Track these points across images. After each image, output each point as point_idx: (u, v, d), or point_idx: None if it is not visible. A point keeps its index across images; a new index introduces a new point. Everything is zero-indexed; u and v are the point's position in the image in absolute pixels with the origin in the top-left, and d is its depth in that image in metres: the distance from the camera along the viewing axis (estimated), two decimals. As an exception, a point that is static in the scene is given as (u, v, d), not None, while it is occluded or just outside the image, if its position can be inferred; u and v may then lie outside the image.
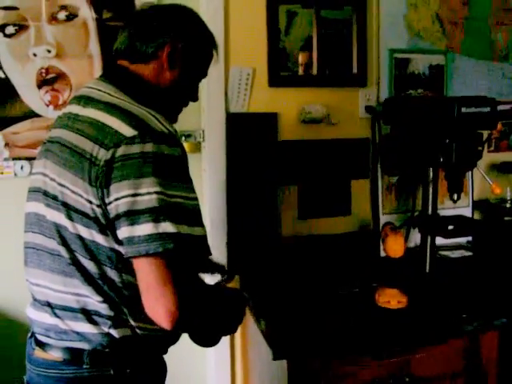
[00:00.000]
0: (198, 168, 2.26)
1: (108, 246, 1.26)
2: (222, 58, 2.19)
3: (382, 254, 2.19)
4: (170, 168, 1.23)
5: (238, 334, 2.30)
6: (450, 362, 1.81)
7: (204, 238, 1.27)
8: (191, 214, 1.25)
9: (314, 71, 2.36)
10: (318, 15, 2.33)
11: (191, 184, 1.29)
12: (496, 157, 2.66)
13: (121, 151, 1.21)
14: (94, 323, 1.31)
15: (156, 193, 1.18)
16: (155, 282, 1.19)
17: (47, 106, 2.10)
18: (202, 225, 1.27)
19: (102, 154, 1.23)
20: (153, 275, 1.19)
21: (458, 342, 1.81)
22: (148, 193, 1.18)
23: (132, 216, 1.19)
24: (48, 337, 1.36)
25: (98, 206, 1.24)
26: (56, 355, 1.34)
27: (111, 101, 1.32)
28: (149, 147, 1.21)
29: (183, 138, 2.23)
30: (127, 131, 1.23)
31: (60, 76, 2.10)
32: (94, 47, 2.11)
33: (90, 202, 1.24)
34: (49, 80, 2.09)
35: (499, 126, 2.55)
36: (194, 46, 1.48)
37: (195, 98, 1.58)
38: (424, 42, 2.49)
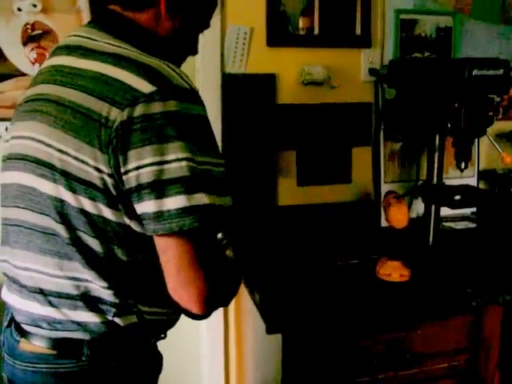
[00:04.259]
0: (192, 131, 2.18)
1: (117, 220, 1.11)
2: (219, 16, 2.10)
3: (383, 224, 2.12)
4: (197, 130, 1.10)
5: (231, 307, 2.27)
6: (452, 337, 1.77)
7: (231, 208, 1.15)
8: (220, 182, 1.12)
9: (316, 32, 2.27)
10: (320, -24, 2.24)
11: (218, 147, 1.16)
12: (504, 125, 2.58)
13: (139, 111, 1.05)
14: (97, 311, 1.17)
15: (185, 159, 1.05)
16: (188, 264, 1.08)
17: (33, 63, 2.01)
18: (229, 194, 1.14)
19: (115, 114, 1.06)
20: (185, 257, 1.08)
21: (462, 318, 1.77)
22: (177, 159, 1.04)
23: (160, 187, 1.05)
24: (38, 326, 1.20)
25: (109, 175, 1.08)
26: (48, 347, 1.19)
27: (113, 51, 1.14)
28: (171, 105, 1.06)
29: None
30: (144, 86, 1.06)
31: (46, 32, 2.00)
32: (83, 1, 2.01)
33: (99, 171, 1.08)
34: (35, 36, 2.00)
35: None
36: None
37: (195, 51, 1.42)
38: (432, 3, 2.39)
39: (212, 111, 2.12)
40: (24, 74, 2.00)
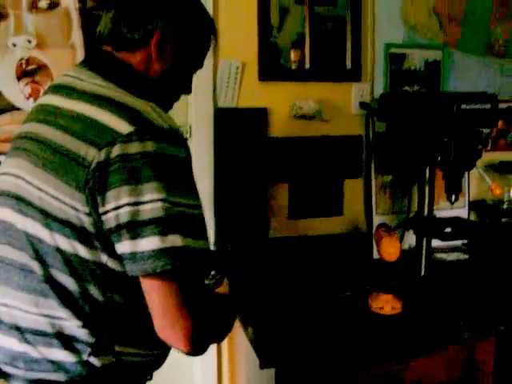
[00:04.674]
0: (185, 165, 2.17)
1: (93, 259, 1.10)
2: (211, 51, 2.10)
3: (375, 256, 2.13)
4: (174, 171, 1.08)
5: (225, 342, 2.24)
6: (445, 369, 1.75)
7: (207, 251, 1.13)
8: (196, 225, 1.10)
9: (307, 66, 2.29)
10: (311, 11, 2.26)
11: (196, 189, 1.14)
12: (493, 156, 2.59)
13: (116, 151, 1.04)
14: (72, 350, 1.14)
15: (160, 200, 1.04)
16: (172, 305, 1.07)
17: (27, 98, 2.01)
18: (206, 237, 1.13)
19: (93, 155, 1.06)
20: (169, 298, 1.07)
21: (454, 350, 1.76)
22: (152, 200, 1.03)
23: (134, 228, 1.04)
24: (15, 367, 1.17)
25: (86, 214, 1.07)
26: None
27: (98, 91, 1.15)
28: (149, 146, 1.05)
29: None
30: (122, 127, 1.06)
31: (41, 67, 2.01)
32: (77, 38, 2.02)
33: (77, 210, 1.08)
34: (29, 71, 2.00)
35: (500, 123, 2.49)
36: (189, 33, 1.30)
37: (189, 91, 1.42)
38: (421, 37, 2.42)
39: (204, 145, 2.15)
40: (18, 109, 2.00)
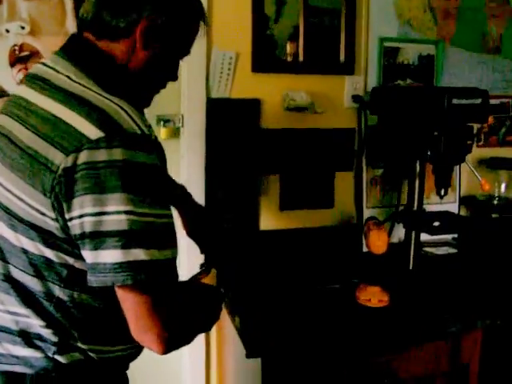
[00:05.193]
0: (177, 154, 2.18)
1: (60, 261, 1.09)
2: (204, 41, 2.11)
3: (365, 249, 2.12)
4: (143, 180, 1.03)
5: (213, 331, 2.25)
6: (430, 363, 1.77)
7: (174, 260, 1.10)
8: (163, 235, 1.07)
9: (301, 58, 2.28)
10: (305, 4, 2.25)
11: (166, 197, 1.10)
12: (485, 152, 2.60)
13: (83, 158, 1.00)
14: (36, 348, 1.14)
15: (125, 212, 1.00)
16: (145, 313, 1.05)
17: (19, 85, 1.96)
18: (174, 245, 1.09)
19: (60, 160, 1.01)
20: (141, 306, 1.05)
21: (440, 344, 1.77)
22: (116, 212, 1.00)
23: (97, 239, 1.01)
24: None
25: (53, 219, 1.05)
26: None
27: (71, 88, 1.10)
28: (117, 154, 1.00)
29: (161, 122, 2.14)
30: (91, 131, 1.01)
31: (34, 54, 1.99)
32: (71, 25, 2.01)
33: (42, 214, 1.05)
34: (22, 58, 1.99)
35: (490, 119, 2.49)
36: (177, 21, 1.21)
37: (175, 78, 1.33)
38: (415, 32, 2.42)
39: (196, 134, 2.14)
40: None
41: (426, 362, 1.76)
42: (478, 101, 1.86)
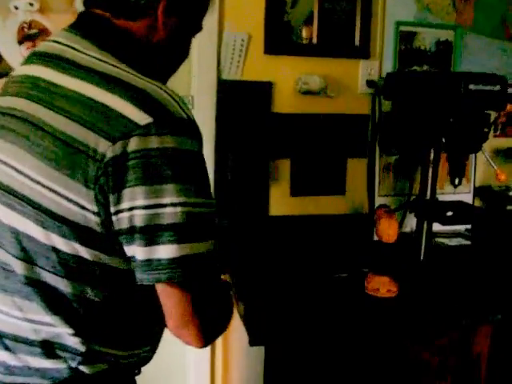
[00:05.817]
0: (185, 136, 2.15)
1: (92, 259, 1.01)
2: (216, 21, 2.08)
3: (375, 237, 2.09)
4: (193, 169, 0.98)
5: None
6: (440, 355, 1.74)
7: (216, 251, 1.04)
8: (211, 226, 1.02)
9: (314, 40, 2.25)
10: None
11: (210, 185, 1.04)
12: (502, 142, 2.55)
13: (134, 145, 0.92)
14: (58, 358, 1.06)
15: (180, 204, 0.94)
16: (183, 310, 1.02)
17: None
18: (215, 234, 1.03)
19: (105, 147, 0.92)
20: (180, 304, 1.01)
21: (450, 336, 1.74)
22: (172, 204, 0.94)
23: (151, 233, 0.94)
24: None
25: (95, 213, 0.96)
26: None
27: (102, 68, 0.99)
28: (168, 141, 0.93)
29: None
30: (138, 116, 0.93)
31: (43, 31, 1.97)
32: (80, 4, 1.97)
33: (82, 207, 0.96)
34: (31, 35, 1.97)
35: (509, 107, 2.44)
36: None
37: (187, 54, 1.25)
38: (433, 16, 2.36)
39: (206, 116, 2.13)
40: (18, 73, 1.98)
41: (434, 355, 1.73)
42: (497, 87, 1.82)
